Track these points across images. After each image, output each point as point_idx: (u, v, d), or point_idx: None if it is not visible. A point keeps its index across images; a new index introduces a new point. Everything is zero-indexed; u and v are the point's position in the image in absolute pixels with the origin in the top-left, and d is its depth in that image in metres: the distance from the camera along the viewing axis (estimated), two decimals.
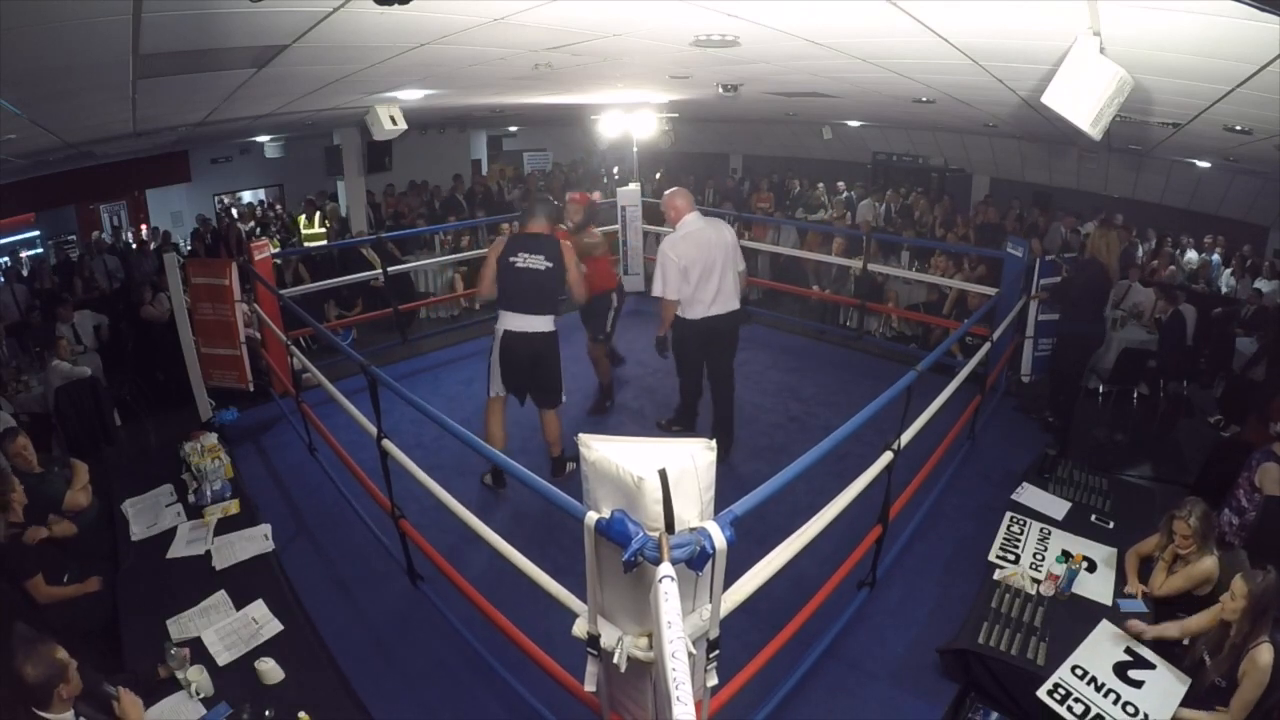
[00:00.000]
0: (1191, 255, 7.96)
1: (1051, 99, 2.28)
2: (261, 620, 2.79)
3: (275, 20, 2.21)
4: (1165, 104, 3.37)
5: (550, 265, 3.69)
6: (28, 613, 2.79)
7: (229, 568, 3.13)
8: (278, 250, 6.41)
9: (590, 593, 1.78)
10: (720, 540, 1.57)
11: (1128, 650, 2.58)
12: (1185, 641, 2.62)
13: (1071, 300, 4.57)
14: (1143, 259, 7.62)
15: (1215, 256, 7.74)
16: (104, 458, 4.78)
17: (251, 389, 5.05)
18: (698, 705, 1.76)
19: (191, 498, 3.60)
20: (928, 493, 3.72)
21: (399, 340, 6.21)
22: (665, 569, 1.43)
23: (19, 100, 2.87)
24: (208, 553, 3.21)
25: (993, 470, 4.15)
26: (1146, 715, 2.34)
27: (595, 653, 1.82)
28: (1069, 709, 2.37)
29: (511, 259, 3.69)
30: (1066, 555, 3.03)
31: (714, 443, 1.64)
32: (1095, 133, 2.31)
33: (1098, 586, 2.95)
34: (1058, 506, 3.50)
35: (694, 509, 1.60)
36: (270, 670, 2.51)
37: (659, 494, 1.52)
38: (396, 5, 1.79)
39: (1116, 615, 2.78)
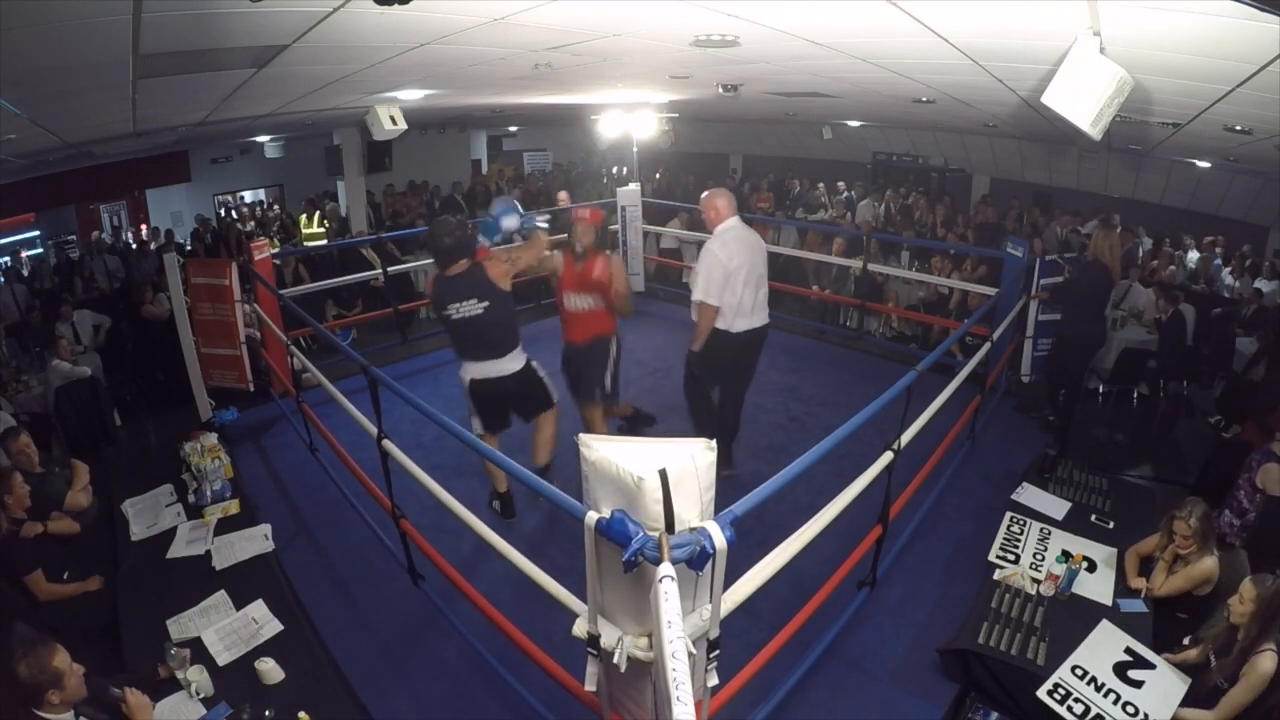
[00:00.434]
0: (1193, 255, 7.95)
1: (1051, 99, 2.28)
2: (261, 620, 2.79)
3: (275, 20, 2.21)
4: (1165, 104, 3.37)
5: (488, 304, 3.31)
6: (28, 613, 2.80)
7: (229, 568, 3.13)
8: (277, 250, 6.41)
9: (590, 593, 1.78)
10: (720, 540, 1.57)
11: (1128, 650, 2.58)
12: (1186, 641, 2.62)
13: (1074, 301, 4.57)
14: (1142, 259, 7.62)
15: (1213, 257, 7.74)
16: (104, 458, 4.78)
17: (251, 389, 5.05)
18: (698, 705, 1.76)
19: (191, 498, 3.60)
20: (928, 493, 3.72)
21: (399, 340, 6.22)
22: (665, 569, 1.43)
23: (19, 100, 2.87)
24: (208, 553, 3.21)
25: (993, 470, 4.15)
26: (1146, 715, 2.34)
27: (595, 653, 1.82)
28: (1069, 709, 2.37)
29: (445, 312, 3.34)
30: (1066, 555, 3.03)
31: (714, 443, 1.63)
32: (1095, 133, 2.31)
33: (1098, 586, 2.95)
34: (1058, 506, 3.50)
35: (694, 509, 1.61)
36: (270, 670, 2.51)
37: (659, 494, 1.52)
38: (396, 5, 1.79)
39: (1116, 615, 2.78)
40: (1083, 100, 2.21)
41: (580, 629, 1.84)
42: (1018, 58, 2.83)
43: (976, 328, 4.63)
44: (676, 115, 7.28)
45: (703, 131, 11.80)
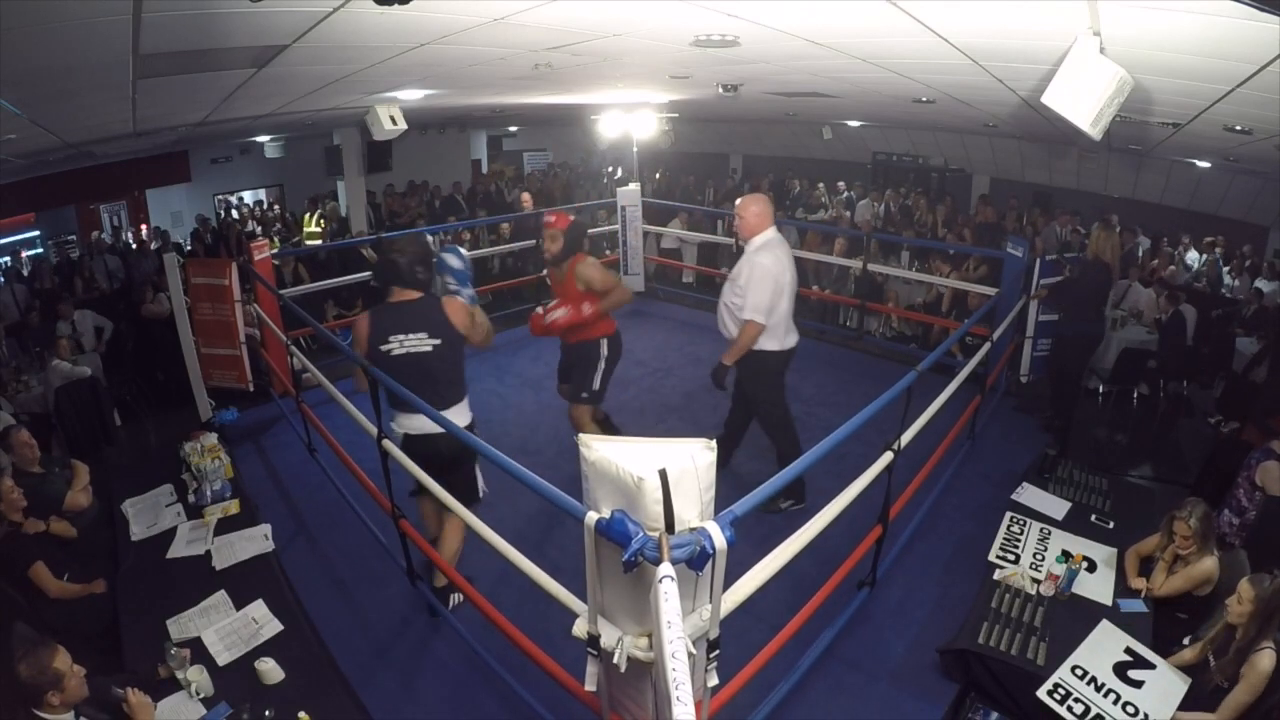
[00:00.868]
0: (1192, 255, 7.96)
1: (1051, 99, 2.28)
2: (261, 620, 2.80)
3: (275, 20, 2.21)
4: (1165, 104, 3.37)
5: (439, 342, 2.81)
6: (29, 614, 2.79)
7: (229, 568, 3.13)
8: (277, 250, 6.41)
9: (590, 593, 1.78)
10: (720, 540, 1.57)
11: (1128, 650, 2.58)
12: (1186, 641, 2.62)
13: (1075, 300, 4.58)
14: (1142, 258, 7.62)
15: (1217, 254, 7.74)
16: (104, 458, 4.79)
17: (251, 389, 5.05)
18: (698, 705, 1.76)
19: (191, 498, 3.61)
20: (928, 493, 3.72)
21: None
22: (665, 569, 1.43)
23: (19, 100, 2.87)
24: (208, 553, 3.21)
25: (993, 470, 4.15)
26: (1146, 715, 2.34)
27: (595, 653, 1.82)
28: (1069, 709, 2.37)
29: (384, 346, 2.80)
30: (1066, 555, 3.03)
31: (714, 442, 1.63)
32: (1095, 133, 2.31)
33: (1098, 586, 2.95)
34: (1058, 506, 3.50)
35: (694, 509, 1.60)
36: (270, 670, 2.51)
37: (659, 494, 1.52)
38: (396, 5, 1.79)
39: (1116, 615, 2.78)
40: (1083, 100, 2.21)
41: (580, 629, 1.84)
42: (1018, 58, 2.84)
43: (976, 328, 4.63)
44: (676, 115, 7.28)
45: (703, 131, 11.80)
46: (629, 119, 6.77)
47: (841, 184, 10.40)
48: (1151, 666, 2.51)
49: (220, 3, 1.96)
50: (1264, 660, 2.24)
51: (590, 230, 7.86)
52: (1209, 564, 2.73)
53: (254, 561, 3.18)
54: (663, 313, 7.08)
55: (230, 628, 2.75)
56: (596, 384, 3.70)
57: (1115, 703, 2.38)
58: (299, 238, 8.73)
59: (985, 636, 2.67)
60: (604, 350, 3.71)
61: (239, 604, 2.88)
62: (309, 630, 2.88)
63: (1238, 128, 3.74)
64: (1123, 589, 2.94)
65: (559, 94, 5.83)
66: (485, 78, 4.23)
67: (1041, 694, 2.42)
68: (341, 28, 2.37)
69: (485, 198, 10.54)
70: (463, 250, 3.13)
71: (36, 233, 9.44)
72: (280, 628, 2.77)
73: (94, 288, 7.76)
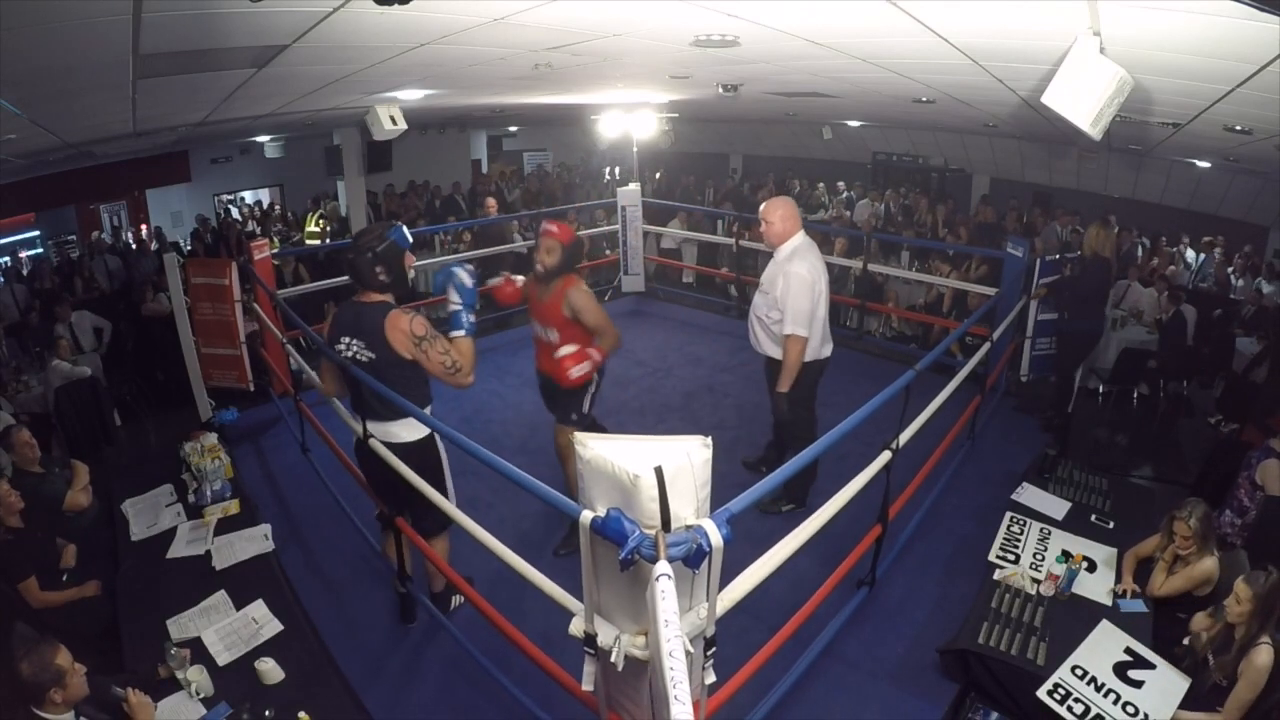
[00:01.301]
0: (1189, 255, 7.96)
1: (1051, 99, 2.29)
2: (261, 620, 2.80)
3: (275, 20, 2.21)
4: (1165, 104, 3.37)
5: (374, 357, 2.59)
6: (29, 614, 2.80)
7: (229, 568, 3.13)
8: (277, 250, 6.41)
9: (586, 591, 1.78)
10: (716, 538, 1.56)
11: (1128, 650, 2.58)
12: (1186, 641, 2.62)
13: (1077, 297, 4.58)
14: (1142, 258, 7.63)
15: (1216, 255, 7.74)
16: (104, 458, 4.80)
17: (252, 389, 5.05)
18: (695, 704, 1.75)
19: (191, 498, 3.60)
20: (928, 492, 3.72)
21: None
22: (662, 567, 1.43)
23: (19, 100, 2.87)
24: (208, 553, 3.21)
25: (993, 470, 4.14)
26: (1146, 715, 2.34)
27: (592, 652, 1.81)
28: (1069, 709, 2.37)
29: (337, 346, 2.66)
30: (1066, 555, 3.03)
31: (709, 440, 1.63)
32: (1095, 133, 2.31)
33: (1098, 586, 2.95)
34: (1058, 506, 3.50)
35: (690, 507, 1.60)
36: (270, 670, 2.51)
37: (655, 491, 1.52)
38: (396, 5, 1.79)
39: (1116, 615, 2.78)
40: (1083, 100, 2.21)
41: (577, 628, 1.84)
42: (1018, 58, 2.84)
43: (976, 328, 4.63)
44: (676, 115, 7.29)
45: (703, 131, 11.81)
46: (629, 119, 6.77)
47: (841, 184, 10.40)
48: (1151, 666, 2.51)
49: (220, 3, 1.96)
50: (1262, 656, 2.24)
51: (590, 230, 7.89)
52: (1209, 564, 2.73)
53: (254, 561, 3.18)
54: (663, 313, 7.08)
55: (230, 628, 2.75)
56: (587, 407, 3.42)
57: (1115, 703, 2.38)
58: (300, 236, 8.73)
59: (985, 636, 2.67)
60: (596, 376, 3.40)
61: (239, 604, 2.88)
62: (309, 630, 2.87)
63: (1238, 128, 3.74)
64: (1114, 587, 2.94)
65: (559, 94, 5.83)
66: (485, 78, 4.23)
67: (1041, 694, 2.42)
68: (341, 28, 2.37)
69: (486, 197, 10.53)
70: (471, 269, 2.76)
71: (36, 233, 9.45)
72: (280, 628, 2.77)
73: (94, 288, 7.77)
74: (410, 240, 2.68)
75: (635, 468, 1.54)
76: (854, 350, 6.24)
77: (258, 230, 9.26)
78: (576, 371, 3.14)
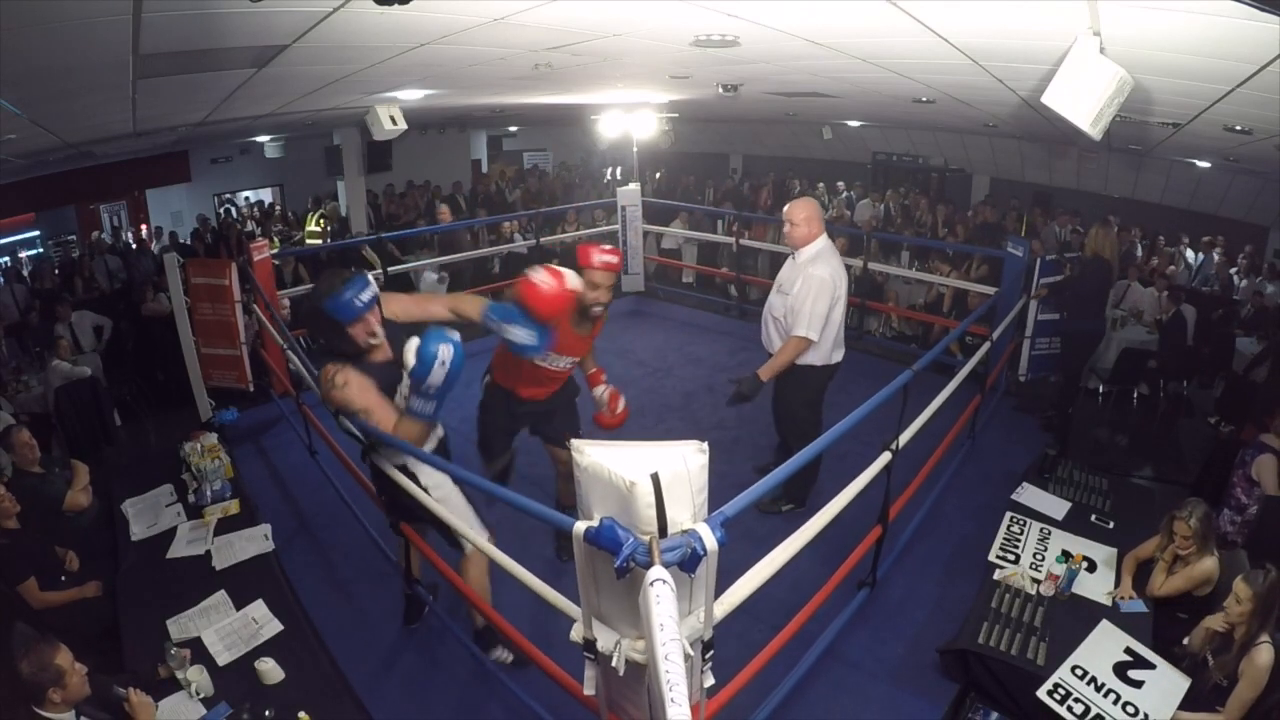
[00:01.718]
0: (1189, 255, 7.96)
1: (1051, 99, 2.29)
2: (261, 620, 2.80)
3: (275, 20, 2.21)
4: (1165, 104, 3.37)
5: None
6: (30, 614, 2.80)
7: (229, 568, 3.13)
8: (277, 250, 6.40)
9: (584, 598, 1.78)
10: (711, 541, 1.56)
11: (1128, 650, 2.58)
12: (1186, 640, 2.62)
13: (1078, 298, 4.58)
14: (1141, 258, 7.63)
15: (1215, 256, 7.74)
16: (104, 458, 4.79)
17: (251, 389, 5.05)
18: (694, 707, 1.75)
19: (191, 498, 3.60)
20: (928, 493, 3.72)
21: None
22: (657, 573, 1.43)
23: (19, 100, 2.87)
24: (208, 553, 3.21)
25: (993, 470, 4.15)
26: (1146, 715, 2.34)
27: (592, 657, 1.82)
28: (1069, 709, 2.37)
29: None
30: (1066, 555, 3.03)
31: (705, 445, 1.63)
32: (1095, 133, 2.31)
33: (1098, 586, 2.95)
34: (1058, 506, 3.50)
35: (687, 511, 1.60)
36: (270, 670, 2.51)
37: (651, 498, 1.52)
38: (396, 5, 1.79)
39: (1116, 615, 2.78)
40: (1083, 100, 2.21)
41: (577, 634, 1.84)
42: (1018, 58, 2.84)
43: (976, 327, 4.63)
44: (676, 115, 7.29)
45: (703, 131, 11.80)
46: (629, 119, 6.77)
47: (841, 184, 10.40)
48: (1151, 666, 2.51)
49: (220, 3, 1.96)
50: (1262, 655, 2.24)
51: (590, 230, 7.89)
52: (1209, 564, 2.73)
53: (254, 561, 3.18)
54: (663, 313, 7.08)
55: (230, 628, 2.75)
56: (578, 422, 3.24)
57: (1115, 703, 2.38)
58: (300, 235, 8.73)
59: (985, 636, 2.67)
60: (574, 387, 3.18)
61: (239, 604, 2.88)
62: (309, 630, 2.88)
63: (1238, 128, 3.74)
64: (1111, 590, 2.94)
65: (559, 94, 5.83)
66: (485, 78, 4.23)
67: (1041, 694, 2.42)
68: (341, 28, 2.37)
69: (485, 198, 10.54)
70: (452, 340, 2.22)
71: (36, 233, 9.45)
72: (280, 628, 2.77)
73: (94, 288, 7.77)
74: (356, 310, 2.25)
75: (631, 474, 1.54)
76: (854, 350, 6.16)
77: (258, 230, 9.26)
78: (620, 409, 3.10)
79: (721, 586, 1.77)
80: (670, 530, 1.55)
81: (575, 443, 1.68)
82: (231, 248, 8.06)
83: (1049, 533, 3.29)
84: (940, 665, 2.76)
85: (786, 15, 2.45)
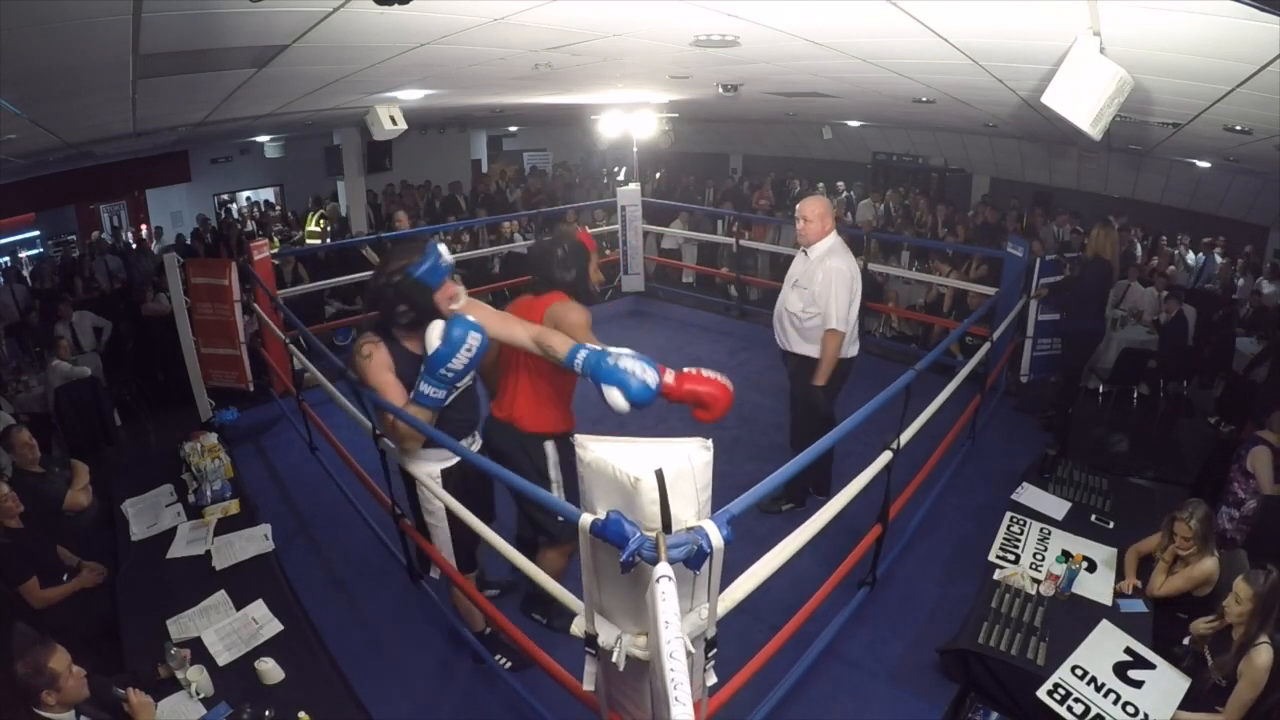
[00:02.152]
0: (1189, 255, 7.96)
1: (1051, 99, 2.29)
2: (261, 620, 2.79)
3: (275, 20, 2.21)
4: (1165, 104, 3.37)
5: None
6: (30, 614, 2.80)
7: (229, 568, 3.13)
8: (277, 250, 6.40)
9: (587, 592, 1.78)
10: (717, 539, 1.56)
11: (1128, 650, 2.58)
12: (1186, 640, 2.62)
13: (1078, 298, 4.58)
14: (1141, 257, 7.63)
15: (1217, 257, 7.75)
16: (104, 458, 4.79)
17: (251, 389, 5.05)
18: (696, 705, 1.75)
19: (191, 498, 3.60)
20: (928, 492, 3.72)
21: None
22: (662, 569, 1.42)
23: (19, 100, 2.87)
24: (208, 553, 3.21)
25: (993, 470, 4.14)
26: (1146, 715, 2.34)
27: (593, 652, 1.82)
28: (1069, 709, 2.37)
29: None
30: (1066, 555, 3.03)
31: (710, 442, 1.63)
32: (1095, 133, 2.31)
33: (1098, 586, 2.95)
34: (1058, 506, 3.50)
35: (691, 509, 1.60)
36: (270, 670, 2.51)
37: (656, 494, 1.51)
38: (396, 5, 1.79)
39: (1116, 615, 2.78)
40: (1083, 100, 2.21)
41: (578, 628, 1.84)
42: (1018, 58, 2.84)
43: (976, 327, 4.63)
44: (676, 115, 7.29)
45: (703, 131, 11.80)
46: (629, 119, 6.77)
47: (841, 184, 10.40)
48: (1151, 666, 2.51)
49: (220, 3, 1.96)
50: (1262, 655, 2.24)
51: (590, 230, 7.89)
52: (1209, 564, 2.73)
53: (254, 561, 3.18)
54: (663, 313, 7.08)
55: (230, 628, 2.75)
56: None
57: (1115, 703, 2.38)
58: (300, 235, 8.73)
59: (985, 636, 2.67)
60: (549, 453, 2.71)
61: (239, 604, 2.87)
62: (309, 630, 2.87)
63: (1238, 128, 3.75)
64: (1117, 585, 2.94)
65: (559, 94, 5.83)
66: (485, 78, 4.23)
67: (1041, 694, 2.42)
68: (341, 28, 2.37)
69: (485, 198, 10.54)
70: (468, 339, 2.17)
71: (36, 233, 9.46)
72: (280, 628, 2.77)
73: (94, 287, 7.77)
74: (443, 272, 2.19)
75: (636, 470, 1.53)
76: None
77: (257, 230, 9.26)
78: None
79: (722, 585, 1.77)
80: (674, 527, 1.54)
81: (579, 438, 1.67)
82: (231, 248, 8.06)
83: (1049, 533, 3.29)
84: (940, 665, 2.76)
85: (786, 15, 2.45)
